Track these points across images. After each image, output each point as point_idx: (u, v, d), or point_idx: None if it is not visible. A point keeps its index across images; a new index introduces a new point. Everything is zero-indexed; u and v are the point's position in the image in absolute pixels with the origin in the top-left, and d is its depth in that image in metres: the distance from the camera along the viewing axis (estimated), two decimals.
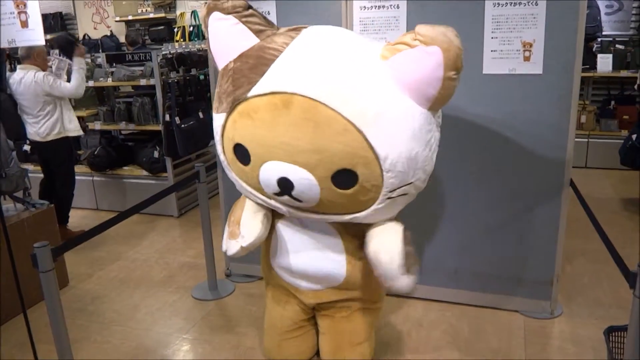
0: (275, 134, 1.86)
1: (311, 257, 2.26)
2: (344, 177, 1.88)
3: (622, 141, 4.71)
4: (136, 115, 4.91)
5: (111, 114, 5.09)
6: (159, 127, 4.68)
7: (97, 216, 4.94)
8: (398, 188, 1.94)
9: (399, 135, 1.85)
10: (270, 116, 1.87)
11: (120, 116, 5.02)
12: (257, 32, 2.01)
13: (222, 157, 2.16)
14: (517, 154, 2.80)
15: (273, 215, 2.31)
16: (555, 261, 2.89)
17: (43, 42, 3.69)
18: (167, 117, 4.54)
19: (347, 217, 2.04)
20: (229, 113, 1.99)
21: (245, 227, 2.23)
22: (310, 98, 1.81)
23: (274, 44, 1.94)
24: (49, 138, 4.13)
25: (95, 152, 5.02)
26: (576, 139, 5.87)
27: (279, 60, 1.89)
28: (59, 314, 2.15)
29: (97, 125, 5.09)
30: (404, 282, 2.02)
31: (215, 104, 2.09)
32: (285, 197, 1.99)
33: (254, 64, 1.93)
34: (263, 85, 1.89)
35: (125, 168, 5.07)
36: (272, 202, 2.10)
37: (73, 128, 4.28)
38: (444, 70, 1.74)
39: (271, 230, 2.33)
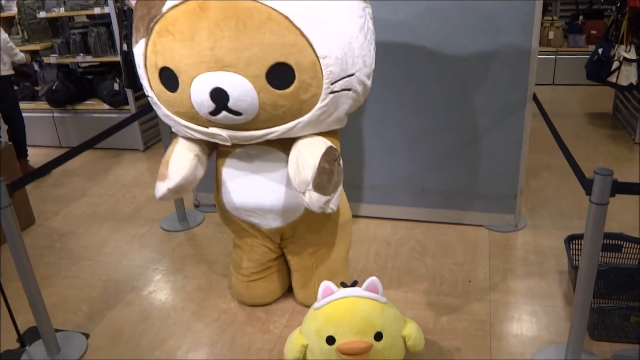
0: (198, 42, 1.77)
1: (266, 191, 2.17)
2: (280, 74, 1.79)
3: (589, 56, 4.69)
4: (93, 46, 4.71)
5: (66, 46, 4.87)
6: (117, 58, 4.52)
7: (60, 153, 4.82)
8: (340, 80, 1.87)
9: (329, 17, 1.79)
10: (189, 25, 1.77)
11: (76, 48, 4.81)
12: None
13: (149, 92, 2.03)
14: (480, 71, 2.77)
15: (218, 155, 2.23)
16: (519, 175, 2.92)
17: None
18: (125, 47, 4.36)
19: (291, 124, 1.93)
20: (148, 37, 1.87)
21: (172, 168, 2.09)
22: None
23: None
24: None
25: (53, 87, 4.84)
26: (544, 56, 5.92)
27: None
28: (21, 250, 2.11)
29: (53, 59, 4.89)
30: (308, 198, 1.91)
31: (133, 38, 1.97)
32: (223, 115, 1.87)
33: None
34: None
35: (86, 102, 4.93)
36: (211, 129, 1.97)
37: (3, 67, 4.07)
38: None
39: (218, 171, 2.25)
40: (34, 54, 5.29)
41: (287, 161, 2.06)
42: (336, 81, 1.87)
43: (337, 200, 1.97)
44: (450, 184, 3.05)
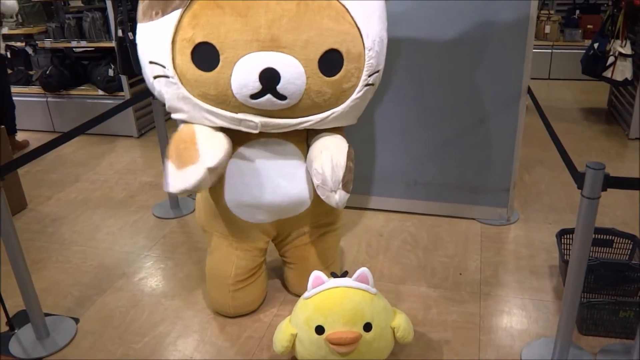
0: (254, 18, 1.72)
1: (277, 186, 2.09)
2: (331, 60, 1.82)
3: (585, 51, 4.69)
4: (87, 31, 4.68)
5: (61, 30, 4.84)
6: (112, 44, 4.49)
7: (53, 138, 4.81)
8: (373, 73, 1.95)
9: (372, 13, 1.88)
10: None
11: (71, 33, 4.78)
12: None
13: (169, 71, 1.83)
14: (475, 64, 2.76)
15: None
16: (513, 169, 2.93)
17: None
18: (120, 33, 4.33)
19: (325, 114, 1.94)
20: (185, 8, 1.76)
21: (206, 146, 1.83)
22: None
23: None
24: None
25: (47, 72, 4.80)
26: (540, 50, 5.90)
27: None
28: (11, 234, 2.09)
29: (47, 44, 4.85)
30: (339, 196, 1.93)
31: (153, 10, 1.81)
32: (265, 98, 1.79)
33: None
34: None
35: (80, 88, 4.89)
36: (241, 115, 1.86)
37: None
38: None
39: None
40: (28, 37, 5.25)
41: (299, 154, 2.08)
42: (372, 74, 1.95)
43: None
44: (444, 176, 3.05)
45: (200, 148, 1.82)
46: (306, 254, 2.38)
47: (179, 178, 1.80)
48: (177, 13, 1.77)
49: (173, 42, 1.80)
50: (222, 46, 1.76)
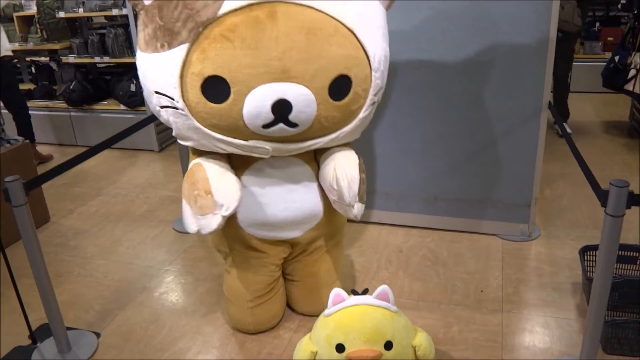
0: (264, 51, 1.70)
1: (289, 202, 2.12)
2: (339, 86, 1.83)
3: (605, 63, 4.65)
4: (110, 47, 4.76)
5: (85, 46, 4.93)
6: (134, 60, 4.54)
7: (77, 152, 4.86)
8: (379, 91, 1.98)
9: (377, 32, 1.90)
10: (253, 32, 1.69)
11: (94, 49, 4.86)
12: None
13: (178, 103, 1.82)
14: (495, 78, 2.75)
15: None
16: (534, 184, 2.90)
17: None
18: None
19: (335, 135, 1.97)
20: (193, 42, 1.74)
21: (222, 194, 1.87)
22: (295, 3, 1.73)
23: None
24: None
25: (71, 87, 4.89)
26: None
27: None
28: (35, 247, 2.13)
29: (71, 59, 4.94)
30: (357, 209, 1.97)
31: (158, 41, 1.79)
32: (277, 127, 1.80)
33: None
34: None
35: (102, 103, 4.97)
36: (252, 142, 1.88)
37: (8, 47, 4.15)
38: None
39: None
40: (52, 53, 5.36)
41: (308, 170, 2.13)
42: (377, 92, 1.98)
43: None
44: (464, 191, 3.03)
45: (215, 196, 1.86)
46: (315, 269, 2.38)
47: (198, 224, 1.90)
48: (184, 47, 1.75)
49: (181, 75, 1.79)
50: (233, 79, 1.74)
